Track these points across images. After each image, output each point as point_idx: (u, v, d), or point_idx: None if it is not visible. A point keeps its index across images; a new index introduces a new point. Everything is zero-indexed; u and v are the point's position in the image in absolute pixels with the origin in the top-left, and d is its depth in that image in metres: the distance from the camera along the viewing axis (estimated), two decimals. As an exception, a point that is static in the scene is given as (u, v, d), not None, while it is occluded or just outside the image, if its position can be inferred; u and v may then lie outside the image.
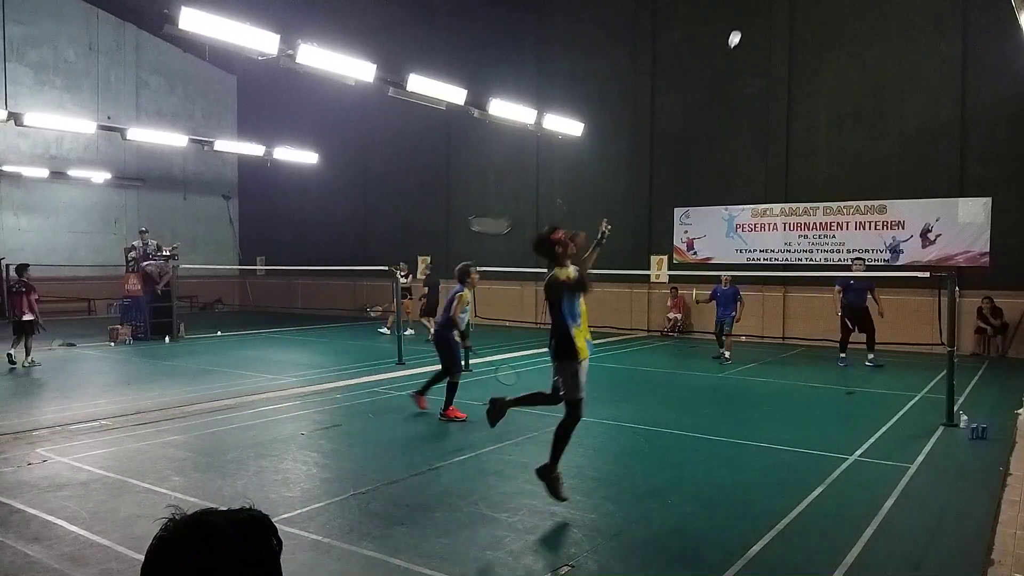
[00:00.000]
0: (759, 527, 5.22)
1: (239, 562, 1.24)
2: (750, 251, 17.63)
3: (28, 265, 13.67)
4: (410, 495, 6.00)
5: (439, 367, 9.21)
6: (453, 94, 13.72)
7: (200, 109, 27.19)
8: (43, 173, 22.23)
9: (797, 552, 4.92)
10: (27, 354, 12.84)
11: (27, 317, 12.87)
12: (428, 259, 22.37)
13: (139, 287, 17.52)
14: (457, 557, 4.73)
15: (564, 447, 5.64)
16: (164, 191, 26.16)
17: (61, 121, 19.44)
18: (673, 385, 12.02)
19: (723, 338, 13.81)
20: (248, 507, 1.34)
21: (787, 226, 17.18)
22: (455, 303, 8.97)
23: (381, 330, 18.74)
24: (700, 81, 18.24)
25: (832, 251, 16.62)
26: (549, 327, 5.68)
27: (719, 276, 14.26)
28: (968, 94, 15.22)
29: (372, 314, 22.13)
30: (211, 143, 21.50)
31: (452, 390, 8.85)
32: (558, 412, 5.78)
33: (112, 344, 16.10)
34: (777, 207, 17.26)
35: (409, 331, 17.39)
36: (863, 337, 13.31)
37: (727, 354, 13.73)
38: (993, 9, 14.02)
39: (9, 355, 12.68)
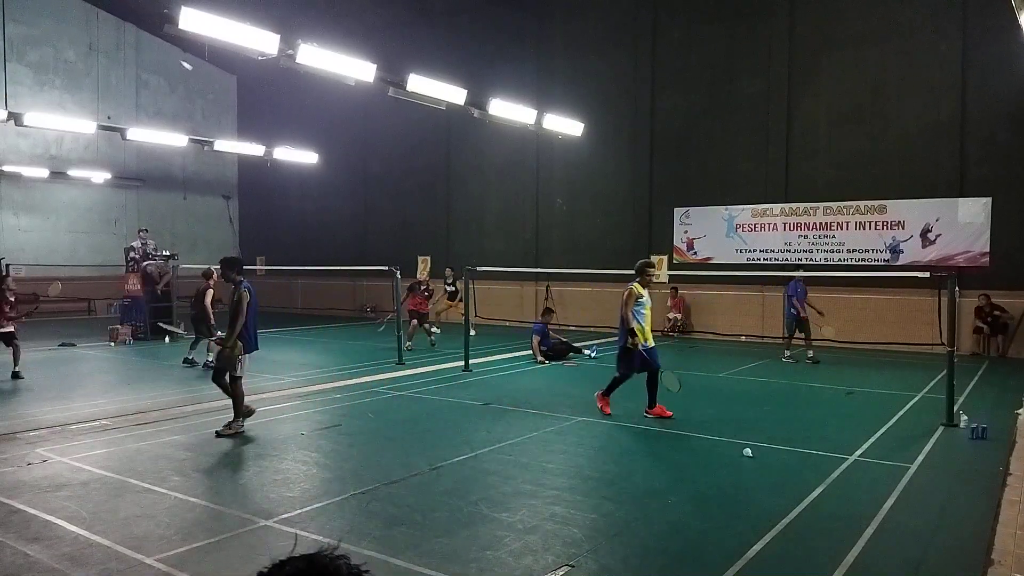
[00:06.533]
0: (759, 527, 5.22)
1: None
2: (750, 251, 17.62)
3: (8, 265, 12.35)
4: (410, 495, 6.00)
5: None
6: (453, 94, 13.69)
7: (200, 109, 27.17)
8: (43, 173, 22.21)
9: (797, 552, 4.92)
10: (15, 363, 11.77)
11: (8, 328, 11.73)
12: (428, 259, 22.37)
13: (139, 287, 17.53)
14: (457, 557, 4.73)
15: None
16: (164, 191, 26.15)
17: (61, 121, 19.42)
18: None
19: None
20: (351, 561, 1.35)
21: (787, 226, 17.17)
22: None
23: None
24: (700, 81, 18.22)
25: (832, 251, 16.62)
26: None
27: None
28: (968, 94, 15.20)
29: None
30: (211, 143, 21.47)
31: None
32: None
33: (112, 344, 16.10)
34: (777, 207, 17.25)
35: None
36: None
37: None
38: (993, 9, 14.01)
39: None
